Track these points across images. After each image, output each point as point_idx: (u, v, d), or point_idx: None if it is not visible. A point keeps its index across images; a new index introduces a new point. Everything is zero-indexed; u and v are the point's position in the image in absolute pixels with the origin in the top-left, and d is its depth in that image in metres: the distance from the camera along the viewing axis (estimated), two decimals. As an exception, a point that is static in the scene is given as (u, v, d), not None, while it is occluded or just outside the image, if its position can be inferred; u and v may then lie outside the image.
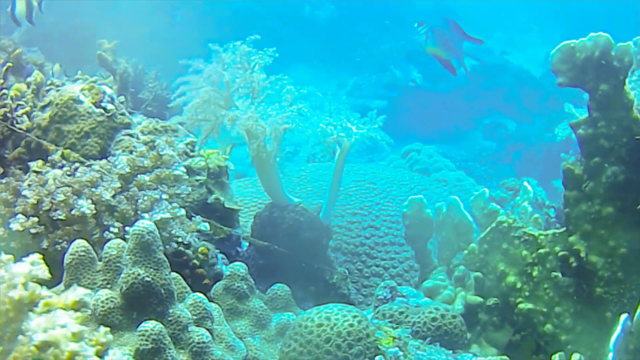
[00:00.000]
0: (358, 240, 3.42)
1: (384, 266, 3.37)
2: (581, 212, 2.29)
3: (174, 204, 2.47)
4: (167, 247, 2.46)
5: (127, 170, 2.52)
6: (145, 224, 1.97)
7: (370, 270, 3.36)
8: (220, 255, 2.87)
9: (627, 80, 2.19)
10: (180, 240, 2.45)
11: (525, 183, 2.82)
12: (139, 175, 2.52)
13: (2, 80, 3.06)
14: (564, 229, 2.36)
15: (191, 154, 3.07)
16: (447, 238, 2.75)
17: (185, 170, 2.63)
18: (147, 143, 2.83)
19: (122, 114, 2.96)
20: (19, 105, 2.91)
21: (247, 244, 3.10)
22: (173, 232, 2.45)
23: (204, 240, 2.85)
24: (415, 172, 6.45)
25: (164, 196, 2.50)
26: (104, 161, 2.58)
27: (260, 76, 2.67)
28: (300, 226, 2.95)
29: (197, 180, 2.97)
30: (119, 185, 2.44)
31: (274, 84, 2.71)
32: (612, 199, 2.24)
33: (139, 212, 2.42)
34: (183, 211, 2.48)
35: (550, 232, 2.41)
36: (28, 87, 3.04)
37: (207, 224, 2.55)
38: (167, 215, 2.42)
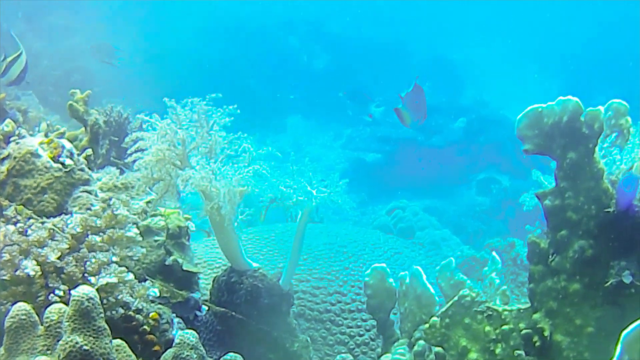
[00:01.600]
0: (323, 307, 3.28)
1: (350, 334, 3.23)
2: (546, 288, 2.16)
3: (122, 268, 2.36)
4: (114, 312, 2.36)
5: (79, 230, 2.41)
6: (85, 290, 1.86)
7: (335, 338, 3.22)
8: (176, 320, 2.74)
9: (596, 148, 2.07)
10: (127, 305, 2.34)
11: (493, 253, 2.70)
12: (90, 236, 2.42)
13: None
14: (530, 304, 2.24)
15: (151, 213, 2.97)
16: (410, 309, 2.61)
17: (138, 232, 2.52)
18: (105, 201, 2.72)
19: (81, 170, 2.86)
20: (-28, 156, 2.81)
21: (207, 308, 2.98)
22: (120, 297, 2.34)
23: (160, 303, 2.74)
24: (399, 229, 6.37)
25: (114, 258, 2.40)
26: (57, 219, 2.48)
27: (219, 135, 2.56)
28: (259, 292, 2.83)
29: (155, 241, 2.86)
30: (66, 246, 2.33)
31: (233, 143, 2.60)
32: (580, 275, 2.10)
33: (86, 274, 2.31)
34: (131, 275, 2.37)
35: (515, 307, 2.28)
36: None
37: (156, 290, 2.44)
38: (114, 279, 2.32)
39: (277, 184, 2.72)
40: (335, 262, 3.58)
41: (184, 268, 2.85)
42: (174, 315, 2.75)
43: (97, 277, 2.30)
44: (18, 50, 4.50)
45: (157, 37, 11.62)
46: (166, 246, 2.87)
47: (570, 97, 2.07)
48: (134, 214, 2.78)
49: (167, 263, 2.84)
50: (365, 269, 3.57)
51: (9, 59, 4.49)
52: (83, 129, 3.62)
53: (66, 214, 2.66)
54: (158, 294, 2.49)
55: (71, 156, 2.86)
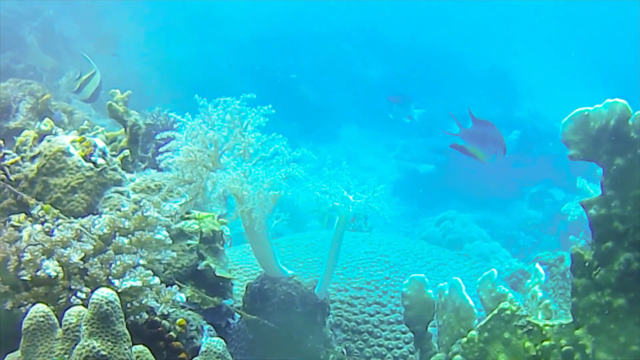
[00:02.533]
0: (361, 317, 3.16)
1: (387, 346, 3.10)
2: (590, 303, 2.01)
3: (147, 272, 2.29)
4: (138, 317, 2.29)
5: (106, 230, 2.35)
6: (105, 292, 1.80)
7: (372, 350, 3.09)
8: (207, 327, 2.66)
9: (644, 154, 1.93)
10: (152, 310, 2.27)
11: (537, 265, 2.54)
12: (117, 237, 2.35)
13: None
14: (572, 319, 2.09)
15: (186, 216, 2.90)
16: (448, 322, 2.47)
17: (167, 235, 2.44)
18: (136, 202, 2.66)
19: (114, 170, 2.81)
20: (5, 154, 2.77)
21: (239, 315, 2.89)
22: (144, 301, 2.27)
23: (190, 309, 2.67)
24: (447, 241, 6.22)
25: (141, 261, 2.33)
26: (85, 219, 2.42)
27: (252, 136, 2.47)
28: (293, 301, 2.73)
29: (188, 245, 2.78)
30: (90, 247, 2.27)
31: (268, 144, 2.50)
32: (625, 290, 1.95)
33: (110, 277, 2.25)
34: (157, 279, 2.29)
35: (557, 322, 2.13)
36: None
37: (183, 295, 2.36)
38: (138, 283, 2.24)
39: (313, 189, 2.61)
40: (375, 271, 3.45)
41: (217, 274, 2.78)
42: (205, 322, 2.68)
43: (120, 280, 2.23)
44: (91, 69, 4.59)
45: (210, 40, 11.64)
46: (199, 250, 2.79)
47: (617, 99, 1.92)
48: (167, 217, 2.72)
49: (199, 268, 2.77)
50: (406, 279, 3.46)
51: (83, 77, 4.59)
52: (123, 129, 3.57)
53: (96, 214, 2.61)
54: (185, 300, 2.41)
55: (104, 155, 2.82)
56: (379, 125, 11.35)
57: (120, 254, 2.31)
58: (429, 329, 2.61)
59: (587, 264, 2.02)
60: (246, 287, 2.88)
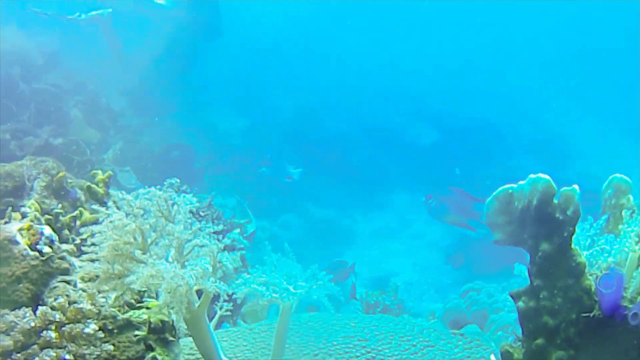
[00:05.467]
0: (324, 415, 2.91)
1: None
2: (524, 411, 1.76)
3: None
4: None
5: (33, 324, 2.22)
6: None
7: None
8: None
9: (573, 238, 1.68)
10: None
11: (491, 356, 2.29)
12: (44, 332, 2.22)
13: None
14: None
15: (137, 305, 2.74)
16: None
17: (97, 328, 2.29)
18: (84, 291, 2.54)
19: (62, 258, 2.69)
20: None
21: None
22: (61, 402, 2.12)
23: (138, 405, 2.50)
24: (472, 313, 5.92)
25: (67, 357, 2.19)
26: (20, 311, 2.30)
27: (179, 226, 2.30)
28: (236, 399, 2.53)
29: (135, 336, 2.62)
30: (9, 343, 2.14)
31: (200, 235, 2.33)
32: (560, 396, 1.70)
33: (28, 378, 2.11)
34: (78, 378, 2.14)
35: None
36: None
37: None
38: (55, 383, 2.10)
39: (250, 282, 2.42)
40: (349, 358, 3.19)
41: (164, 366, 2.60)
42: (152, 420, 2.50)
43: (38, 379, 2.09)
44: None
45: (258, 110, 11.66)
46: (147, 342, 2.62)
47: (541, 174, 1.69)
48: (114, 307, 2.59)
49: (145, 360, 2.59)
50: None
51: None
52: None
53: (42, 304, 2.49)
54: (110, 399, 2.24)
55: (51, 243, 2.70)
56: (431, 191, 11.14)
57: (46, 349, 2.17)
58: None
59: (518, 364, 1.78)
60: (193, 382, 2.69)
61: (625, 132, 12.03)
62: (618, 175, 2.00)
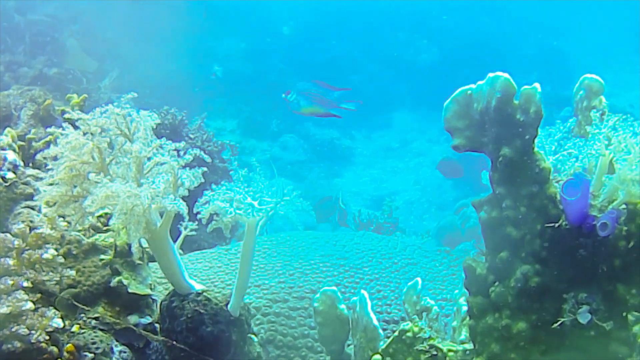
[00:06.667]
0: (299, 331, 2.79)
1: (329, 363, 2.74)
2: (487, 327, 1.63)
3: (21, 297, 2.05)
4: (10, 346, 2.05)
5: (-10, 250, 2.13)
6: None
7: (311, 368, 2.74)
8: (117, 349, 2.40)
9: (536, 141, 1.53)
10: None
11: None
12: (1, 259, 2.11)
13: None
14: (476, 344, 1.71)
15: (103, 228, 2.64)
16: (359, 343, 2.13)
17: (55, 253, 2.20)
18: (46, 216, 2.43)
19: (25, 184, 2.58)
20: None
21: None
22: (14, 329, 2.03)
23: (102, 329, 2.41)
24: (467, 230, 5.83)
25: (25, 284, 2.10)
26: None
27: (137, 145, 2.17)
28: (201, 319, 2.41)
29: (100, 260, 2.51)
30: (-41, 270, 2.05)
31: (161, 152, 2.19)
32: (525, 311, 1.57)
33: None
34: (30, 304, 2.04)
35: (461, 347, 1.77)
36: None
37: (59, 320, 2.11)
38: (5, 310, 2.01)
39: (215, 198, 2.28)
40: (326, 277, 3.08)
41: (130, 290, 2.49)
42: (117, 343, 2.41)
43: (-11, 307, 2.01)
44: None
45: (258, 34, 11.43)
46: (113, 266, 2.52)
47: (499, 72, 1.53)
48: (78, 230, 2.50)
49: (111, 284, 2.49)
50: (362, 284, 3.10)
51: None
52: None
53: (5, 231, 2.39)
54: (62, 325, 2.14)
55: (14, 169, 2.60)
56: (432, 110, 10.96)
57: (4, 277, 2.08)
58: (346, 349, 2.27)
59: (481, 279, 1.64)
60: (159, 304, 2.58)
61: (630, 47, 11.74)
62: (589, 75, 1.84)
